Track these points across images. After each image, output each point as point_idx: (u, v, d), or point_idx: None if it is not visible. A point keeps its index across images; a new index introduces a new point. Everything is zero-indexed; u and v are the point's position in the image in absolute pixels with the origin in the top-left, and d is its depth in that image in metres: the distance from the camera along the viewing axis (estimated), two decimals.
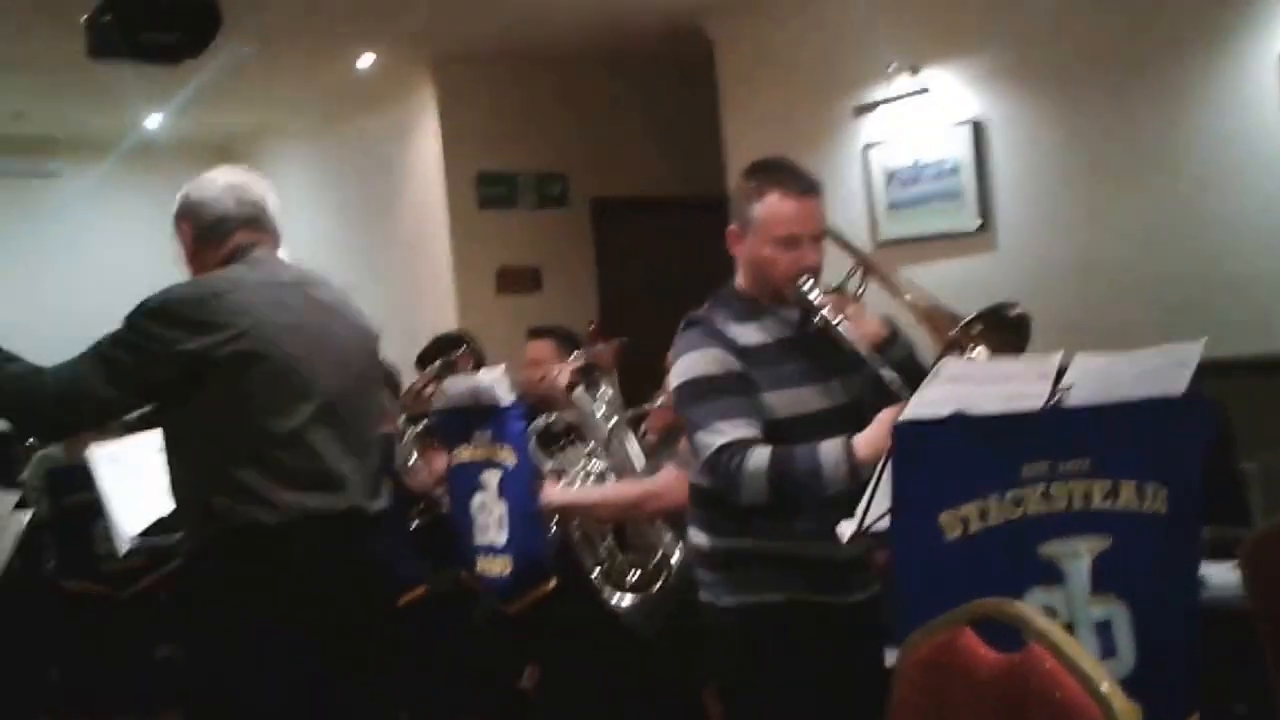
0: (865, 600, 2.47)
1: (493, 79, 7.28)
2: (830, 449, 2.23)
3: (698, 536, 2.53)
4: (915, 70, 5.54)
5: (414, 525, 3.87)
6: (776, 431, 2.35)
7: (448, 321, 6.85)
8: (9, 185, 8.26)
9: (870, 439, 2.18)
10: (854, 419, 2.37)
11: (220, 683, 2.43)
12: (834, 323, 2.37)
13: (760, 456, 2.27)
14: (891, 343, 2.47)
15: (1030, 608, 1.48)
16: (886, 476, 1.77)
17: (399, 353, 5.44)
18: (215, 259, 2.59)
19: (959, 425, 1.75)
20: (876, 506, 1.86)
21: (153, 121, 7.76)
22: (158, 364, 2.41)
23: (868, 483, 1.94)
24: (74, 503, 4.70)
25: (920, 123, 5.54)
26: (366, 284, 7.45)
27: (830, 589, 2.43)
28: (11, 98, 7.21)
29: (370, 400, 2.69)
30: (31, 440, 5.76)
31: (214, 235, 2.61)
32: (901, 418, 1.82)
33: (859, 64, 5.76)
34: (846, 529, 1.93)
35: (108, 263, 8.18)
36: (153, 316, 2.43)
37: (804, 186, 2.47)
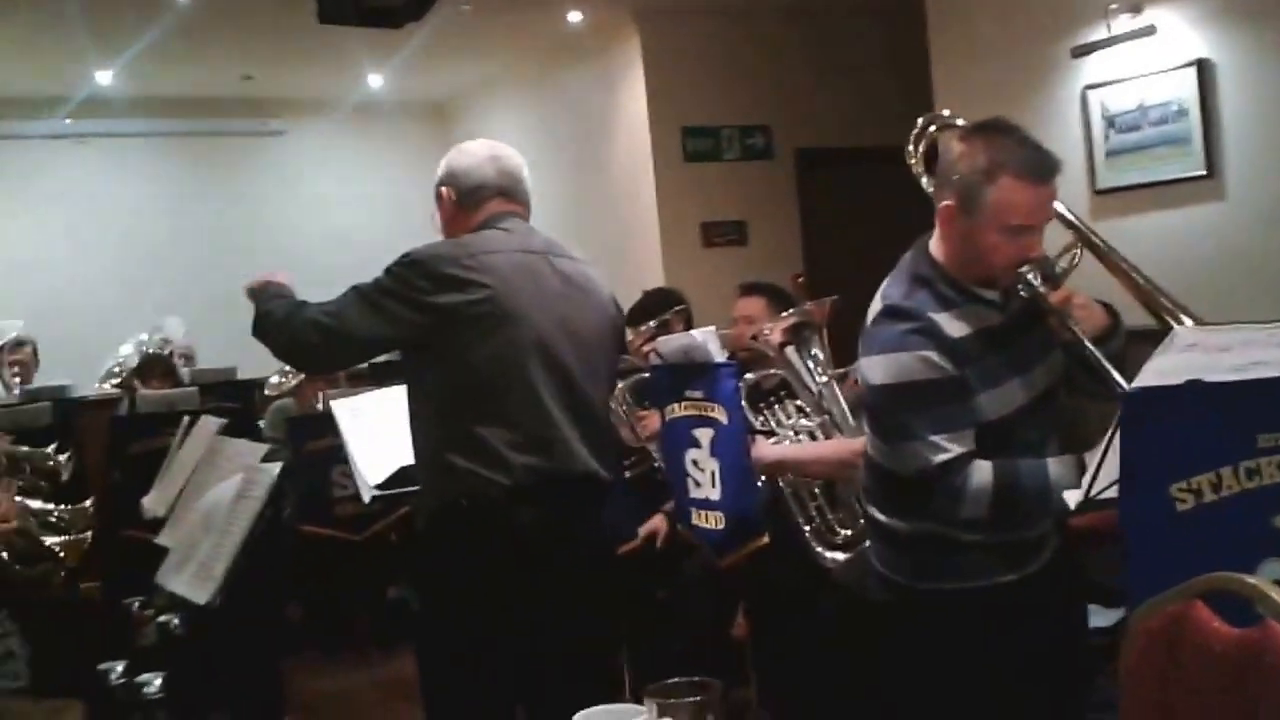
0: (1044, 565, 2.34)
1: (696, 31, 7.31)
2: (1060, 470, 2.14)
3: (876, 513, 2.41)
4: (1137, 10, 5.31)
5: (628, 476, 3.98)
6: (982, 433, 2.21)
7: (654, 275, 6.95)
8: (238, 144, 8.74)
9: None
10: (1051, 406, 2.30)
11: (452, 635, 2.58)
12: (1068, 320, 2.18)
13: (983, 475, 2.17)
14: (1114, 332, 2.27)
15: (1265, 583, 1.46)
16: (1115, 445, 1.75)
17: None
18: (469, 224, 2.73)
19: (1192, 394, 1.71)
20: (1104, 475, 1.84)
21: (374, 81, 8.07)
22: (411, 312, 2.56)
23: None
24: (312, 450, 5.01)
25: (1143, 64, 5.32)
26: (575, 237, 7.61)
27: (1016, 567, 2.31)
28: (241, 62, 7.61)
29: (605, 372, 2.78)
30: (268, 391, 6.12)
31: (470, 201, 2.74)
32: (1133, 385, 1.78)
33: (1077, 3, 5.55)
34: (1073, 498, 1.92)
35: (330, 216, 8.58)
36: (413, 267, 2.58)
37: (1045, 171, 2.20)
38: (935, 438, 2.17)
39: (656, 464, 3.80)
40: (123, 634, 3.72)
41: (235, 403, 5.92)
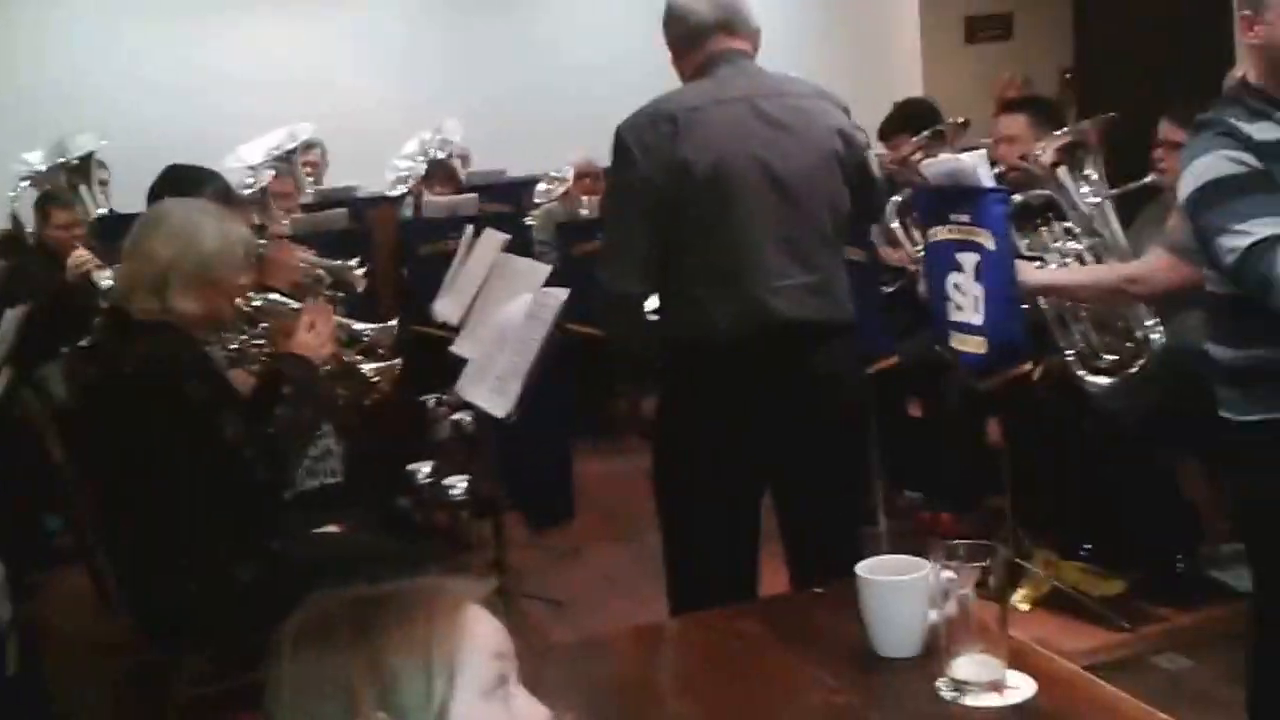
0: None
1: None
2: None
3: (1217, 350, 2.37)
4: None
5: (888, 292, 4.03)
6: None
7: (912, 74, 6.80)
8: None
9: None
10: None
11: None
12: None
13: None
14: None
15: None
16: None
17: (861, 109, 5.48)
18: (691, 68, 2.56)
19: None
20: None
21: None
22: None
23: None
24: (580, 252, 5.20)
25: None
26: (825, 34, 7.43)
27: None
28: None
29: (819, 212, 2.54)
30: (537, 198, 6.37)
31: (688, 44, 2.56)
32: None
33: None
34: None
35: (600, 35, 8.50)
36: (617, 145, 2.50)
37: None
38: (1239, 225, 2.18)
39: (916, 282, 3.84)
40: (419, 428, 4.11)
41: (507, 205, 6.23)
